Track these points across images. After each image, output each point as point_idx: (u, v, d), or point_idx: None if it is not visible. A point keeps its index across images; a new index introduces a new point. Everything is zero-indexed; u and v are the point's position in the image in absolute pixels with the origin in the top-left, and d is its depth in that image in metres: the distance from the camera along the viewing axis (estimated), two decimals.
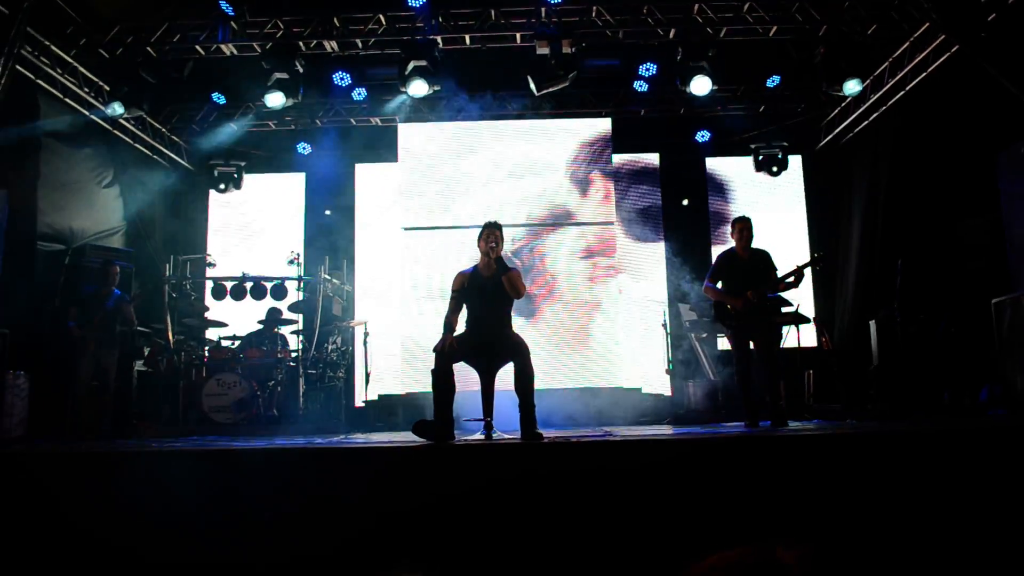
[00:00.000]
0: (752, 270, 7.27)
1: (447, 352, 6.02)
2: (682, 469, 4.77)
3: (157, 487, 4.74)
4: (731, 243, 7.54)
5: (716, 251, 11.70)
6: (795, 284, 7.20)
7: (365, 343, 8.68)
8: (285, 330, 10.63)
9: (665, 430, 7.10)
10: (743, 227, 7.41)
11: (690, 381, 10.11)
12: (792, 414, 8.03)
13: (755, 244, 7.48)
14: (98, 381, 8.98)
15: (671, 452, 4.96)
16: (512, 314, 6.36)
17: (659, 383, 11.15)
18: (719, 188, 12.64)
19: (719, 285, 7.38)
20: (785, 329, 8.27)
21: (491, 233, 6.32)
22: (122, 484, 4.80)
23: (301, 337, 10.50)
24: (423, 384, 10.16)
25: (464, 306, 6.34)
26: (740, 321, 7.20)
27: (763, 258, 7.33)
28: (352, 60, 10.77)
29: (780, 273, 7.27)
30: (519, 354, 6.06)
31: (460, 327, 6.33)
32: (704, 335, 10.29)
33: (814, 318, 10.94)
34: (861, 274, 11.32)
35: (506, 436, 6.11)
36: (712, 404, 9.70)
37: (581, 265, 11.59)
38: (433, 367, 6.02)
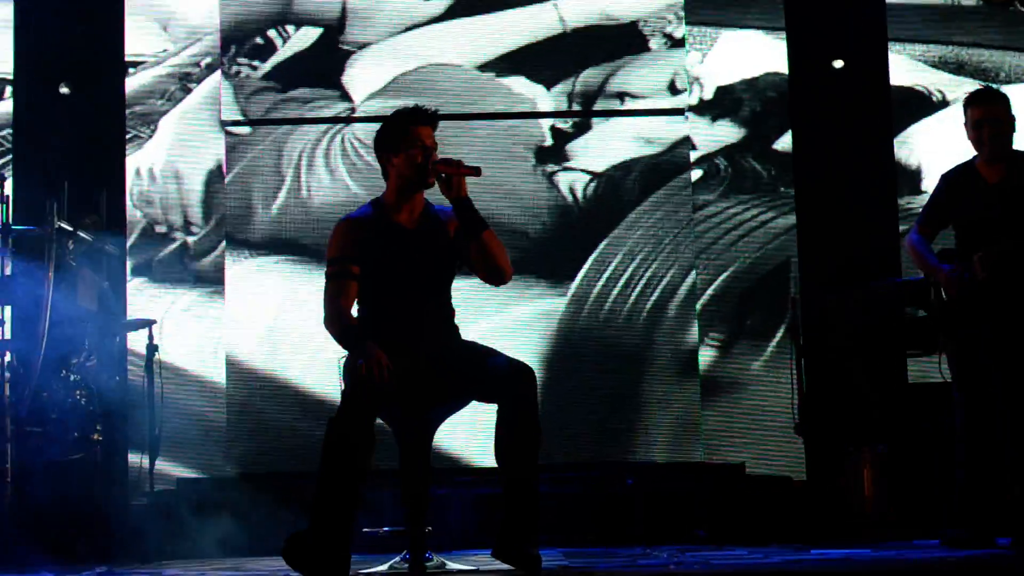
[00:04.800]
0: (1012, 204, 5.22)
1: (379, 384, 3.94)
2: None
3: None
4: (967, 151, 5.43)
5: (930, 173, 8.51)
6: None
7: (150, 367, 6.99)
8: None
9: (797, 553, 5.63)
10: (990, 113, 5.17)
11: (850, 451, 7.84)
12: None
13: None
14: None
15: None
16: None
17: (780, 453, 8.66)
18: (916, 24, 9.00)
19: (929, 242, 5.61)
20: None
21: (422, 133, 4.24)
22: None
23: (9, 356, 7.65)
24: (283, 454, 8.11)
25: (359, 295, 4.39)
26: (967, 323, 5.27)
27: None
28: None
29: None
30: (510, 378, 4.04)
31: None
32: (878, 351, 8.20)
33: None
34: None
35: (459, 566, 4.47)
36: (892, 500, 7.70)
37: (615, 195, 8.96)
38: (340, 414, 3.93)
